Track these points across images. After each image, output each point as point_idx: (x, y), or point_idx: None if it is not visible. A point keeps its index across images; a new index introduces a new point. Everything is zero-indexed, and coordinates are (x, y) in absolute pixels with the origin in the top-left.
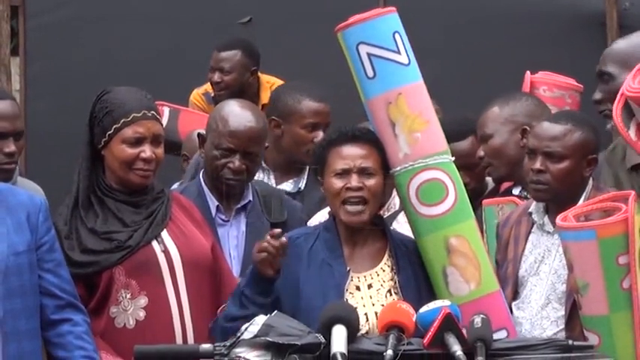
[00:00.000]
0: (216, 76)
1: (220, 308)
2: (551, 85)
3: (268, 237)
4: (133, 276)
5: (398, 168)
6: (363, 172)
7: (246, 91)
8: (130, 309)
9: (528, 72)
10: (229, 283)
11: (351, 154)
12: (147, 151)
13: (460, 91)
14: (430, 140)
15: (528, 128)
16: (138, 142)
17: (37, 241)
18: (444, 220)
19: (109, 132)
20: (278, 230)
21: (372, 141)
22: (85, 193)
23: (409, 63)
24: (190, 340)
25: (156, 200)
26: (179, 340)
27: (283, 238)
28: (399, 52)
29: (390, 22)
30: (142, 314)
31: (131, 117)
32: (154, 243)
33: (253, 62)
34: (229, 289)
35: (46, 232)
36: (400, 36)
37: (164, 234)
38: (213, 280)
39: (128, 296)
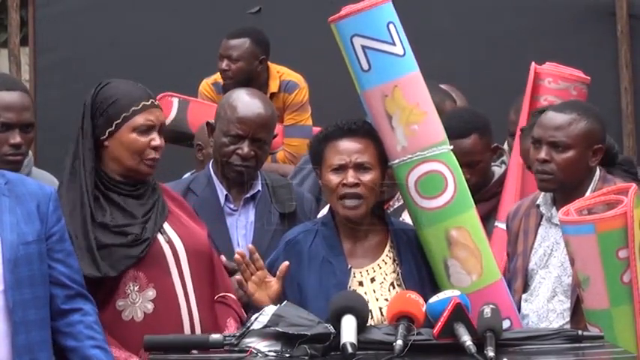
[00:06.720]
0: (224, 64)
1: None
2: (556, 77)
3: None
4: (141, 268)
5: (396, 161)
6: (359, 167)
7: (254, 79)
8: (138, 302)
9: (533, 63)
10: (221, 274)
11: (347, 148)
12: (156, 139)
13: (469, 82)
14: (428, 132)
15: None
16: (149, 130)
17: (47, 230)
18: (444, 212)
19: (117, 121)
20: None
21: (369, 134)
22: (92, 187)
23: (404, 54)
24: (197, 331)
25: (154, 191)
26: (187, 331)
27: (286, 262)
28: (393, 44)
29: (384, 12)
30: (150, 307)
31: (141, 105)
32: (158, 234)
33: (262, 51)
34: (222, 280)
35: (56, 222)
36: (395, 26)
37: (165, 225)
38: (211, 270)
39: (136, 289)
